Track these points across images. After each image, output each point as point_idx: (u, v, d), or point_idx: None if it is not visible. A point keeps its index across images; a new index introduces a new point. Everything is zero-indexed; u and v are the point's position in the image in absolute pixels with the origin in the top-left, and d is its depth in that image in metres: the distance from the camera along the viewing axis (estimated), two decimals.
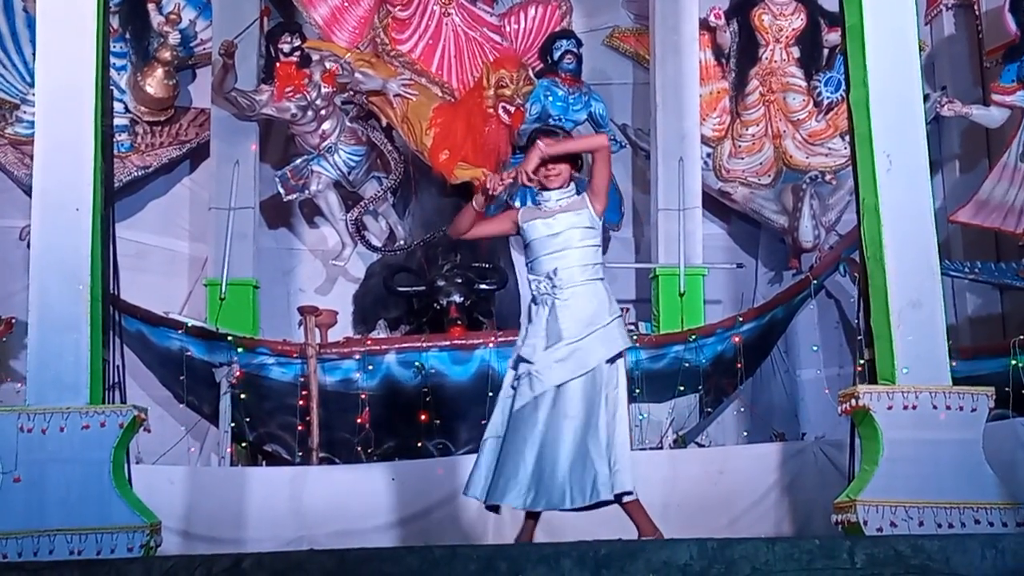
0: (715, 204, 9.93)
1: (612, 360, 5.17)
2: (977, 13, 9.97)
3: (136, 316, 8.10)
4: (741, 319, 8.61)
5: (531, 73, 9.55)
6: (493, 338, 8.21)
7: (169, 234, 9.68)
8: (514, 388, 5.21)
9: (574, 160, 5.36)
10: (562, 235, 5.19)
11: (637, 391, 8.19)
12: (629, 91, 10.27)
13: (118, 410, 5.34)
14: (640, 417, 8.26)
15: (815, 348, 9.58)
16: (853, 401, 5.51)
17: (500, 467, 5.08)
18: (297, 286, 9.78)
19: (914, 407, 5.45)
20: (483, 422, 7.93)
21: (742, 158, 9.87)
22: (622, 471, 5.11)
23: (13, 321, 8.28)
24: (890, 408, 5.44)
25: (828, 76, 9.80)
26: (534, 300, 5.22)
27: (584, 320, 5.12)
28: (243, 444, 8.16)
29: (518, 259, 9.91)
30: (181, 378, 8.23)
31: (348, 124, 9.44)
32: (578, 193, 5.30)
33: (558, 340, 5.08)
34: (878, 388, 5.52)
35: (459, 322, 8.46)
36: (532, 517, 5.15)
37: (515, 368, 5.25)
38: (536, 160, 5.19)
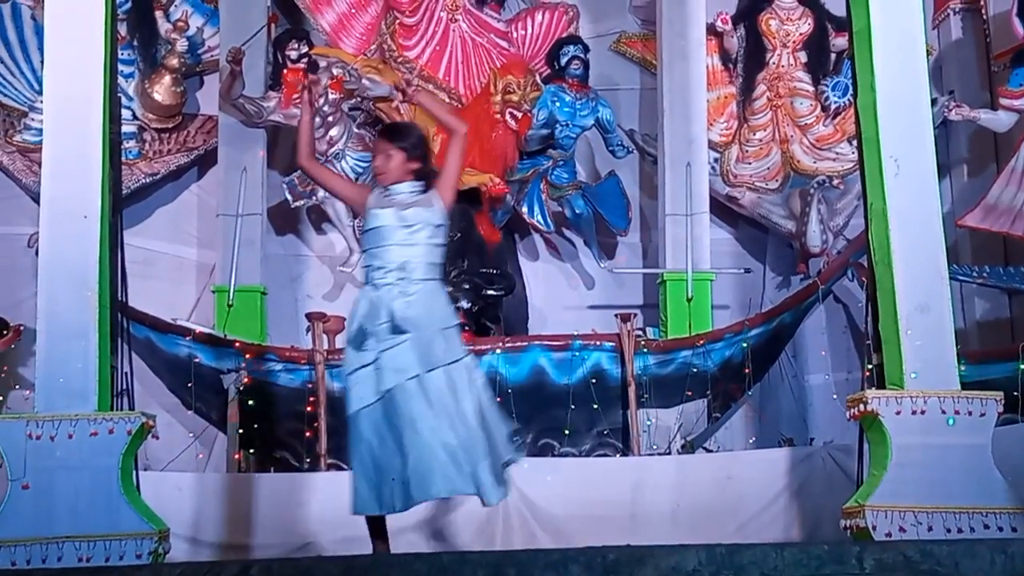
0: (723, 209, 9.92)
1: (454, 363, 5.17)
2: (985, 17, 9.95)
3: (144, 323, 8.11)
4: (749, 324, 8.60)
5: (538, 79, 9.55)
6: (501, 344, 8.22)
7: (177, 241, 9.68)
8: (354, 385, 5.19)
9: (412, 157, 5.33)
10: (414, 228, 5.20)
11: (645, 396, 8.20)
12: (636, 96, 10.26)
13: (126, 417, 5.36)
14: (648, 422, 8.26)
15: (823, 353, 9.55)
16: (861, 406, 5.51)
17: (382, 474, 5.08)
18: (305, 292, 9.78)
19: (923, 412, 5.46)
20: None
21: (749, 163, 9.85)
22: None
23: (22, 328, 8.28)
24: (899, 413, 5.45)
25: (836, 81, 9.79)
26: (374, 288, 5.19)
27: (430, 317, 5.16)
28: (251, 451, 8.16)
29: (526, 265, 9.95)
30: (189, 385, 8.24)
31: (355, 130, 9.45)
32: (426, 191, 5.32)
33: (402, 334, 5.10)
34: (887, 393, 5.52)
35: (466, 328, 8.44)
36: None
37: (353, 364, 5.21)
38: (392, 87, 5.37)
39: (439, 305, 5.24)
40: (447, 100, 9.52)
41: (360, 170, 9.36)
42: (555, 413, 8.17)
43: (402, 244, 5.19)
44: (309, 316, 8.36)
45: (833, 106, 9.81)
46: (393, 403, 5.08)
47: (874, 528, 5.29)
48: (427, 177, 5.37)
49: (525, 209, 9.48)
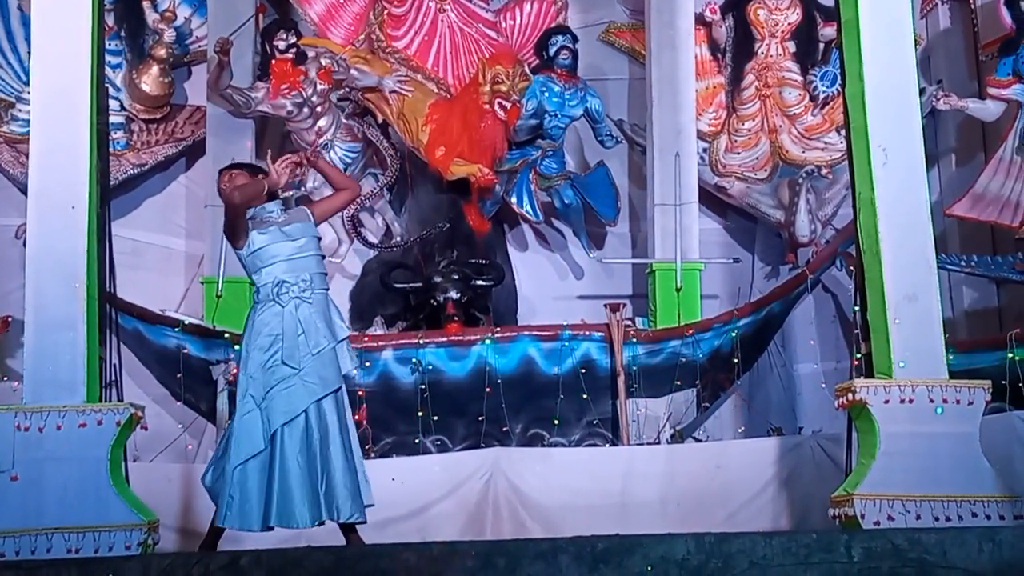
0: (711, 199, 9.92)
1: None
2: (972, 7, 9.96)
3: (133, 314, 8.10)
4: (738, 314, 8.61)
5: (527, 69, 9.53)
6: (490, 334, 8.22)
7: (165, 232, 9.67)
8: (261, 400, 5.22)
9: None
10: (303, 241, 5.43)
11: (634, 386, 8.21)
12: (625, 86, 10.26)
13: (115, 408, 5.35)
14: (637, 412, 8.27)
15: (812, 342, 9.57)
16: (850, 395, 5.52)
17: (282, 487, 5.16)
18: None
19: (911, 401, 5.47)
20: (480, 418, 8.04)
21: (738, 153, 9.85)
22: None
23: (9, 319, 8.26)
24: (887, 402, 5.46)
25: (824, 71, 9.79)
26: (278, 302, 5.31)
27: (330, 327, 5.37)
28: None
29: (515, 255, 9.94)
30: (178, 376, 8.24)
31: (344, 121, 9.43)
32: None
33: (318, 345, 5.25)
34: (875, 382, 5.54)
35: (456, 318, 8.47)
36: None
37: (262, 375, 5.24)
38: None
39: (335, 315, 5.48)
40: (436, 90, 9.50)
41: (349, 160, 9.36)
42: (545, 403, 8.18)
43: (301, 256, 5.43)
44: None
45: (821, 96, 9.81)
46: (313, 417, 5.28)
47: (862, 516, 5.30)
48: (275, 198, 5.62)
49: (514, 199, 9.47)
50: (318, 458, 5.16)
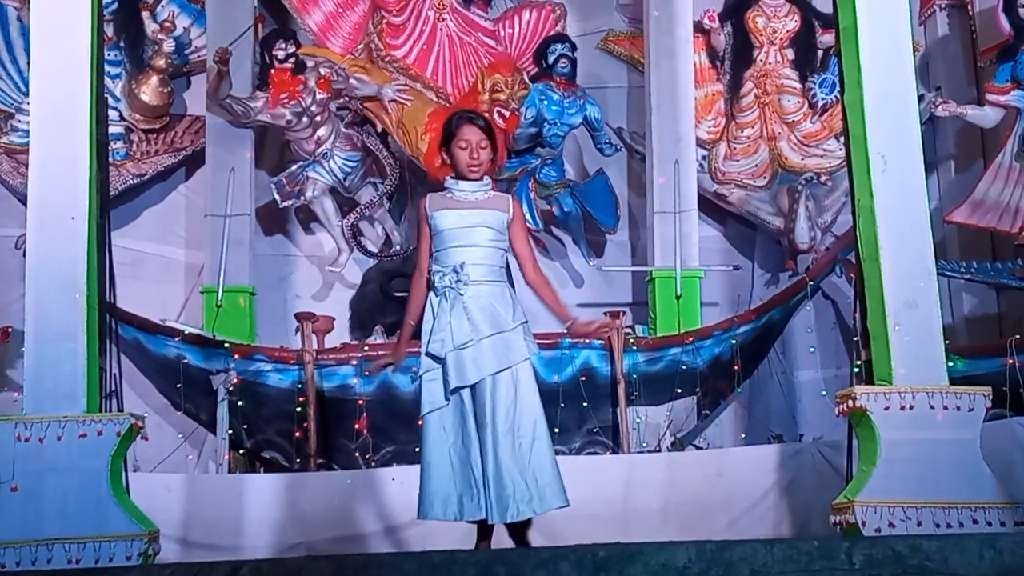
0: (711, 206, 9.93)
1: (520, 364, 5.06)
2: (971, 13, 9.98)
3: (133, 324, 8.10)
4: (738, 321, 8.62)
5: (526, 77, 9.55)
6: None
7: (165, 242, 9.67)
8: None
9: (495, 146, 5.14)
10: (475, 229, 5.01)
11: (635, 394, 8.21)
12: (624, 94, 10.28)
13: (115, 418, 5.34)
14: (638, 420, 8.27)
15: (812, 349, 9.57)
16: (850, 402, 5.52)
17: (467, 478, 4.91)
18: (294, 292, 9.78)
19: (911, 407, 5.46)
20: None
21: (737, 160, 9.87)
22: (548, 486, 4.92)
23: (10, 330, 8.27)
24: (887, 409, 5.45)
25: (822, 78, 9.81)
26: (436, 293, 4.99)
27: (491, 319, 4.99)
28: (241, 451, 8.15)
29: (514, 263, 9.91)
30: (178, 386, 8.23)
31: (343, 130, 9.45)
32: (497, 190, 5.22)
33: (467, 338, 4.93)
34: (875, 389, 5.53)
35: None
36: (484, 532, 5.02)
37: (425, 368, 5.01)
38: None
39: (501, 306, 5.07)
40: (435, 99, 9.52)
41: (348, 169, 9.36)
42: (545, 411, 8.14)
43: (461, 245, 5.00)
44: (298, 316, 8.36)
45: (820, 103, 9.83)
46: (462, 409, 5.00)
47: (863, 524, 5.30)
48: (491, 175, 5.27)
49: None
50: None
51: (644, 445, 8.18)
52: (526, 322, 5.16)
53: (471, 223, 5.01)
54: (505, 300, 5.10)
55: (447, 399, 4.96)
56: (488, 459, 4.85)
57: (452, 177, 5.11)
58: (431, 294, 5.03)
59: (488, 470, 4.84)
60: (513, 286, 5.34)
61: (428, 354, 4.98)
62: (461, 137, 5.04)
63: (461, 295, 4.97)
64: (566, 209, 9.48)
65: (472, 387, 4.94)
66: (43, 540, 5.12)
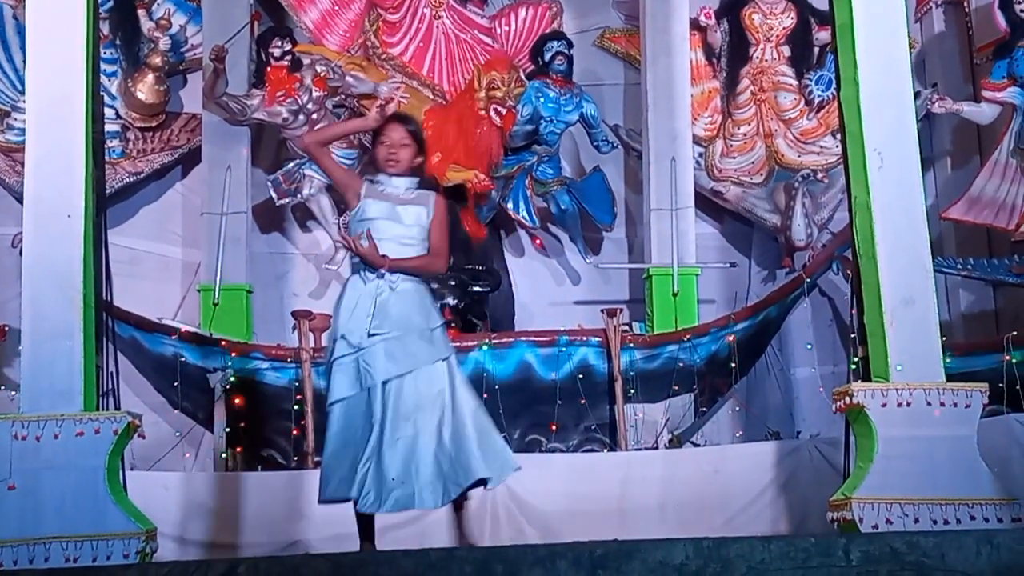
0: (708, 204, 9.93)
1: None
2: (967, 10, 9.98)
3: (129, 322, 8.09)
4: (735, 318, 8.61)
5: (522, 75, 9.55)
6: (487, 340, 8.22)
7: (162, 240, 9.66)
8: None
9: (420, 151, 5.38)
10: (408, 228, 5.22)
11: (632, 391, 8.20)
12: (620, 92, 10.28)
13: (112, 416, 5.34)
14: (635, 417, 8.27)
15: (809, 346, 9.58)
16: (847, 399, 5.52)
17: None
18: (290, 290, 9.77)
19: (908, 404, 5.46)
20: None
21: (734, 157, 9.87)
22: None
23: (6, 328, 8.25)
24: (884, 405, 5.45)
25: (819, 74, 9.81)
26: (359, 277, 5.18)
27: (412, 317, 5.13)
28: (238, 449, 8.14)
29: (511, 260, 9.94)
30: (175, 384, 8.21)
31: None
32: (421, 189, 5.36)
33: (385, 330, 5.06)
34: (872, 386, 5.53)
35: (453, 324, 8.44)
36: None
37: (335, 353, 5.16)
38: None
39: (424, 305, 5.20)
40: (431, 97, 9.51)
41: (345, 166, 9.33)
42: (542, 409, 8.17)
43: (392, 240, 5.17)
44: (295, 314, 8.34)
45: (817, 100, 9.84)
46: (376, 402, 5.07)
47: (861, 520, 5.30)
48: (420, 174, 5.42)
49: (510, 205, 9.48)
50: None
51: (641, 443, 8.17)
52: (443, 325, 5.30)
53: (397, 219, 5.21)
54: (425, 301, 5.24)
55: (360, 389, 5.10)
56: (394, 453, 4.99)
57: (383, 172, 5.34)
58: (354, 276, 5.24)
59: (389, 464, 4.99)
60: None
61: (343, 338, 5.13)
62: (384, 134, 5.32)
63: (382, 286, 5.12)
64: (563, 206, 9.48)
65: (384, 383, 5.05)
66: (40, 538, 5.11)
